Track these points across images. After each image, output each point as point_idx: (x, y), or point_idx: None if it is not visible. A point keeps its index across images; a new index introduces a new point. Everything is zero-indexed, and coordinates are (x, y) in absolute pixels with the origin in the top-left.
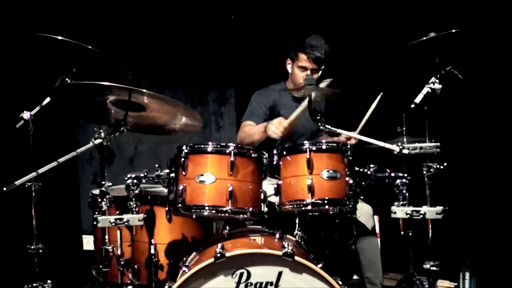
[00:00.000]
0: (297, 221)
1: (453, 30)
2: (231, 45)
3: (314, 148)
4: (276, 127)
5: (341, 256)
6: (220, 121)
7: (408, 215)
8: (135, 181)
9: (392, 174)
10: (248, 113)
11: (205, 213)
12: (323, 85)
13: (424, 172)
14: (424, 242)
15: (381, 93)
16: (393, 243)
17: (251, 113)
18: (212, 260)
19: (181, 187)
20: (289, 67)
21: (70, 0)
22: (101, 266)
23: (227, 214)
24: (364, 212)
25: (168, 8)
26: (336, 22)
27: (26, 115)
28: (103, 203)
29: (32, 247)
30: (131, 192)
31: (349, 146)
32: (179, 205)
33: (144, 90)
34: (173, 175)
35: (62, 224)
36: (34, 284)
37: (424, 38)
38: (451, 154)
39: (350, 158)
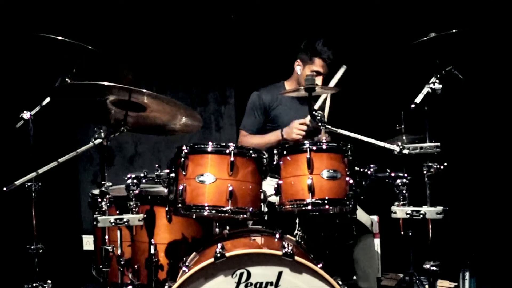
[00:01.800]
0: (297, 221)
1: (453, 30)
2: (231, 45)
3: (314, 148)
4: (298, 130)
5: (341, 256)
6: (220, 121)
7: (408, 215)
8: (135, 181)
9: (392, 174)
10: (246, 121)
11: (205, 213)
12: (338, 75)
13: (424, 172)
14: (424, 242)
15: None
16: (393, 243)
17: (248, 122)
18: (212, 260)
19: (181, 187)
20: (298, 68)
21: (70, 0)
22: (101, 266)
23: (227, 214)
24: (362, 221)
25: (168, 8)
26: (335, 22)
27: (26, 115)
28: (103, 203)
29: (32, 247)
30: (131, 192)
31: (349, 146)
32: (179, 205)
33: (144, 90)
34: (173, 175)
35: (62, 224)
36: (34, 284)
37: (425, 38)
38: (451, 154)
39: (350, 158)
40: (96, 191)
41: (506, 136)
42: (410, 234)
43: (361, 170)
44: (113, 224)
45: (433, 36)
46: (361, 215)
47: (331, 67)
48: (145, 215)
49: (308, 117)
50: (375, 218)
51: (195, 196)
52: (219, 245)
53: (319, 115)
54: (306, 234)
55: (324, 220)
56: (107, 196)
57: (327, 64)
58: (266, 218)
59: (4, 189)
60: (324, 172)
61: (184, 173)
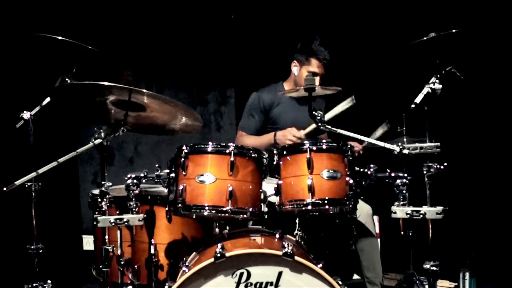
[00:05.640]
0: (297, 221)
1: (453, 30)
2: (231, 45)
3: (314, 148)
4: (290, 139)
5: (341, 256)
6: (220, 121)
7: (408, 215)
8: (135, 181)
9: (392, 174)
10: (244, 122)
11: (205, 213)
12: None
13: (424, 172)
14: (424, 242)
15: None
16: (393, 243)
17: (247, 123)
18: (212, 260)
19: (181, 187)
20: (295, 69)
21: (70, 0)
22: (101, 266)
23: (227, 214)
24: (363, 212)
25: (168, 8)
26: (335, 22)
27: (26, 115)
28: (103, 203)
29: (32, 247)
30: (131, 192)
31: (349, 146)
32: (179, 205)
33: (144, 90)
34: (173, 175)
35: (62, 224)
36: (34, 284)
37: (425, 38)
38: (451, 154)
39: (350, 158)
40: (96, 191)
41: (506, 136)
42: (410, 234)
43: (361, 170)
44: (113, 224)
45: (433, 36)
46: (362, 206)
47: (327, 68)
48: (145, 215)
49: (303, 132)
50: (375, 218)
51: (195, 196)
52: (219, 245)
53: (319, 115)
54: (306, 234)
55: (324, 220)
56: (107, 196)
57: (323, 65)
58: (266, 218)
59: (4, 189)
60: (324, 172)
61: (184, 173)
